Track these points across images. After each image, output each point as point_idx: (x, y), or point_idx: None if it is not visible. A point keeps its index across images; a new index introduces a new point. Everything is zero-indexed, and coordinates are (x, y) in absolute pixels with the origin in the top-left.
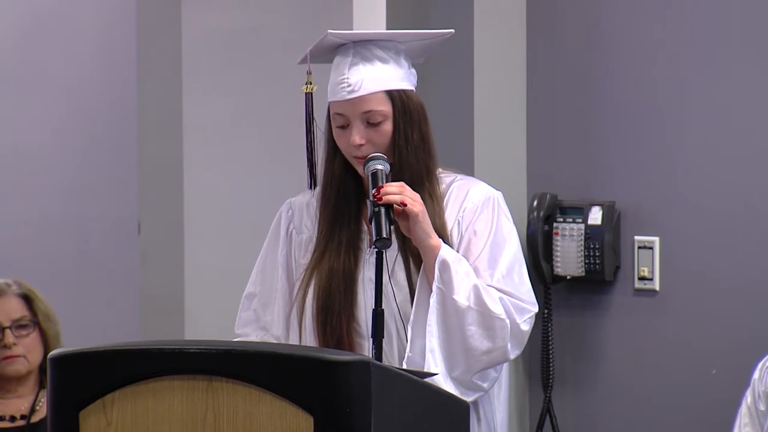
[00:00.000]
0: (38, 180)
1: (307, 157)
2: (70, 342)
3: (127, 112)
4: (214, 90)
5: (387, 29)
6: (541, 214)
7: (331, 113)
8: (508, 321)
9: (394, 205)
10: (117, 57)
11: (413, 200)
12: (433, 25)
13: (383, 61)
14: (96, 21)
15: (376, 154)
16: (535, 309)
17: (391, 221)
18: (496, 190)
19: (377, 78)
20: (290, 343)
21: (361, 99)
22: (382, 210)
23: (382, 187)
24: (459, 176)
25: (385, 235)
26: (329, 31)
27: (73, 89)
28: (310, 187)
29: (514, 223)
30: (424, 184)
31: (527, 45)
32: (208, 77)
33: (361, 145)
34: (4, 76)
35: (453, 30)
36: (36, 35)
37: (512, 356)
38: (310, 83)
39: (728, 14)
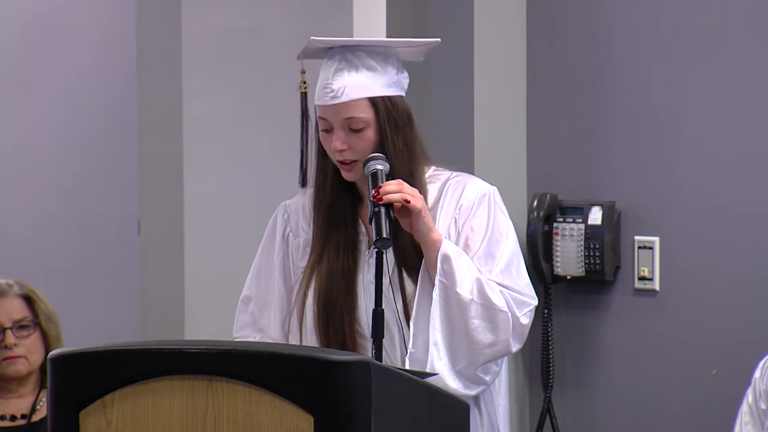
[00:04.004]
0: (38, 180)
1: (300, 156)
2: (70, 342)
3: (127, 112)
4: (214, 89)
5: (387, 29)
6: (541, 214)
7: (317, 116)
8: (509, 314)
9: (395, 203)
10: (117, 57)
11: (414, 196)
12: (433, 24)
13: (369, 68)
14: (96, 21)
15: (376, 153)
16: (535, 302)
17: (391, 221)
18: (491, 185)
19: (360, 85)
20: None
21: (343, 105)
22: (382, 210)
23: (381, 186)
24: (454, 173)
25: (385, 235)
26: (312, 37)
27: (73, 89)
28: (302, 185)
29: (514, 223)
30: None
31: (527, 45)
32: (208, 77)
33: (342, 150)
34: (4, 76)
35: (439, 39)
36: (36, 35)
37: (514, 349)
38: (304, 82)
39: (728, 14)
